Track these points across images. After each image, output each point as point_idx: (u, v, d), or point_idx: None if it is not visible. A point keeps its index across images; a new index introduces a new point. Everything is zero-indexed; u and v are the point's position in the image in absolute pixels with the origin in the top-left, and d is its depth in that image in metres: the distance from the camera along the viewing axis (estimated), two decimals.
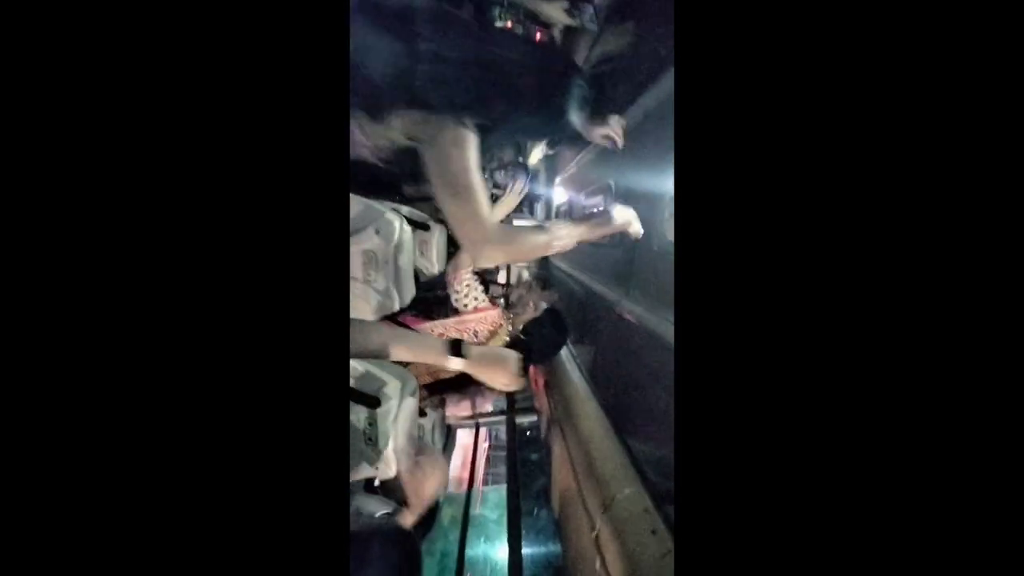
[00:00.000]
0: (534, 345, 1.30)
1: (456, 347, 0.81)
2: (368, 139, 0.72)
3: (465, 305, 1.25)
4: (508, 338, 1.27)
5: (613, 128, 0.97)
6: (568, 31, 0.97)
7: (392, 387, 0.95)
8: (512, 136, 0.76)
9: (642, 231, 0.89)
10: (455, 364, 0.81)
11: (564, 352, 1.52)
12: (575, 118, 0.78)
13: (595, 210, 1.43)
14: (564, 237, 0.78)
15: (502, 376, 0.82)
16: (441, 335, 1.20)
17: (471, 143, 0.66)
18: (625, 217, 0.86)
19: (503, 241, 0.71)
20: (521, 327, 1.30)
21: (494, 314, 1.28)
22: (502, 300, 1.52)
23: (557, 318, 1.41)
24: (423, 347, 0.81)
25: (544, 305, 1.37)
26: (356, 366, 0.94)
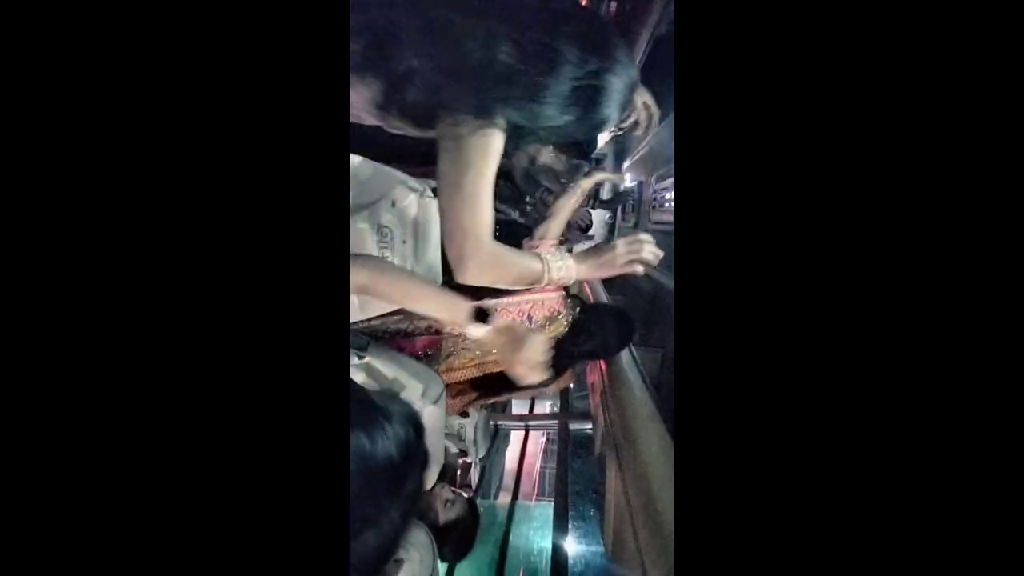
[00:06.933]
0: (595, 335, 1.09)
1: (482, 313, 0.73)
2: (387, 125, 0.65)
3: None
4: (566, 328, 1.06)
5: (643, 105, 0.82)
6: None
7: (411, 391, 0.80)
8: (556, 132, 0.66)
9: (656, 259, 0.76)
10: (475, 331, 0.73)
11: (625, 356, 1.29)
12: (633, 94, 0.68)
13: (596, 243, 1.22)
14: (563, 272, 0.74)
15: (520, 361, 0.74)
16: None
17: (495, 148, 0.59)
18: (632, 251, 0.75)
19: (492, 263, 0.66)
20: (578, 310, 1.09)
21: (554, 297, 1.06)
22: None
23: (622, 314, 1.20)
24: (445, 304, 0.73)
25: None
26: (372, 365, 0.80)
